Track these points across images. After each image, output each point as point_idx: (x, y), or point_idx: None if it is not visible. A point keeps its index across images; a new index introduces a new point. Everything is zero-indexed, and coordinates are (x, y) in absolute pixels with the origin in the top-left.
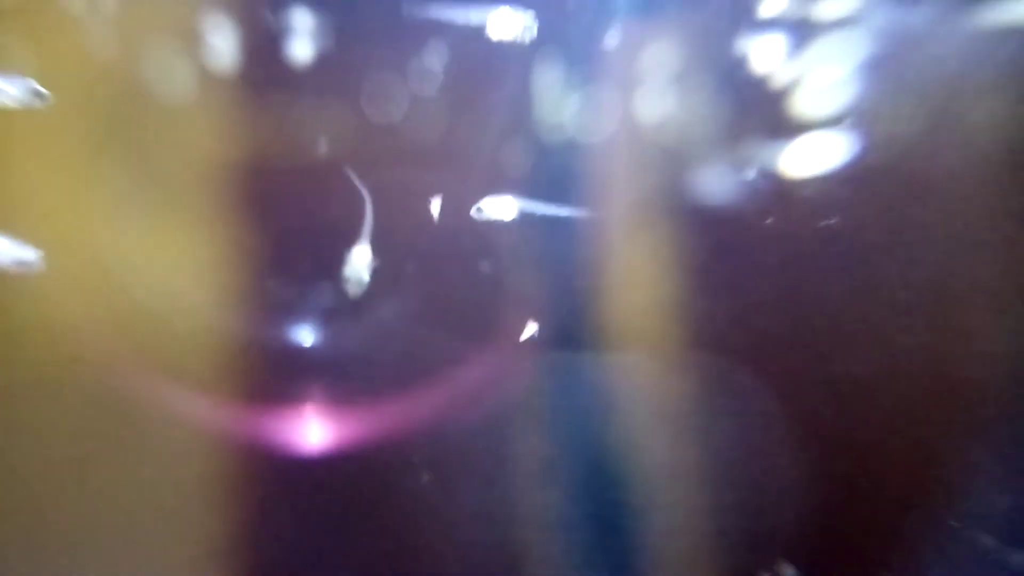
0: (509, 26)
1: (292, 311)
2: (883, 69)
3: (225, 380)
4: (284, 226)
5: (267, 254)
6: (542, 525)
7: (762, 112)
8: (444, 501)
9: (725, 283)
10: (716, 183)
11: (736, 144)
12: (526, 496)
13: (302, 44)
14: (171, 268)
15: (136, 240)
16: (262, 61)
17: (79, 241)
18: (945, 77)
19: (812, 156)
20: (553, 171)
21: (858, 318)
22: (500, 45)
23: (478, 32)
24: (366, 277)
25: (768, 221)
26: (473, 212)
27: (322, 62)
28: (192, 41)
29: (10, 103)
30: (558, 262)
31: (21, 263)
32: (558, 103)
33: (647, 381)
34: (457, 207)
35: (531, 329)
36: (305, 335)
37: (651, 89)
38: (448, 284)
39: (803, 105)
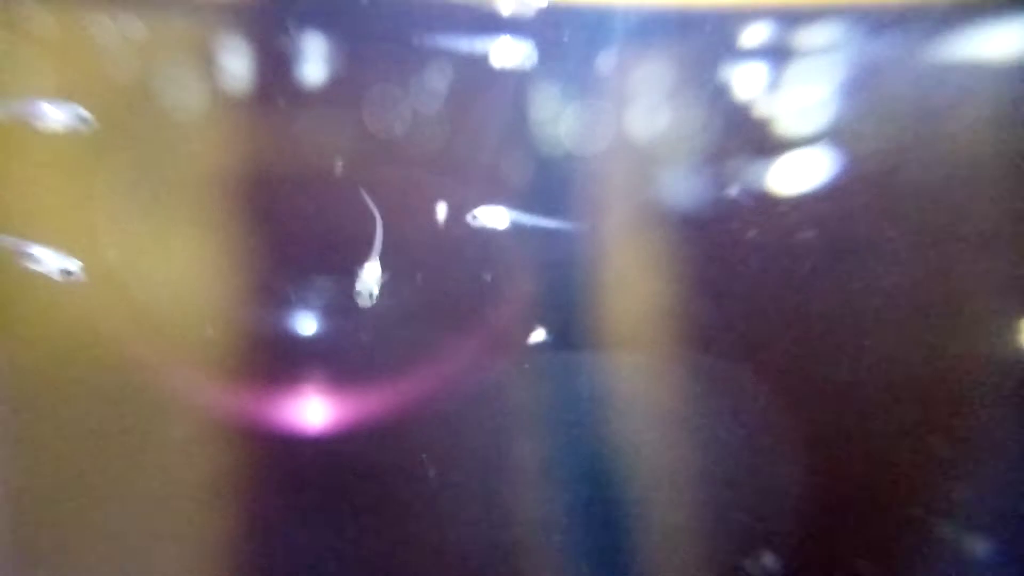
0: (510, 53)
1: (305, 310)
2: (859, 92)
3: (241, 374)
4: (296, 231)
5: (278, 257)
6: (538, 522)
7: (746, 131)
8: (443, 500)
9: (710, 290)
10: (702, 196)
11: (722, 160)
12: (523, 493)
13: (311, 65)
14: (189, 272)
15: (158, 248)
16: (277, 82)
17: (107, 251)
18: (920, 99)
19: (792, 172)
20: (550, 183)
21: (836, 324)
22: (502, 69)
23: (481, 57)
24: (376, 291)
25: (751, 234)
26: (468, 219)
27: (331, 82)
28: (209, 63)
29: (57, 128)
30: (554, 267)
31: (65, 273)
32: (555, 120)
33: (639, 382)
34: (458, 215)
35: (528, 331)
36: (315, 332)
37: (642, 108)
38: (448, 286)
39: (784, 125)
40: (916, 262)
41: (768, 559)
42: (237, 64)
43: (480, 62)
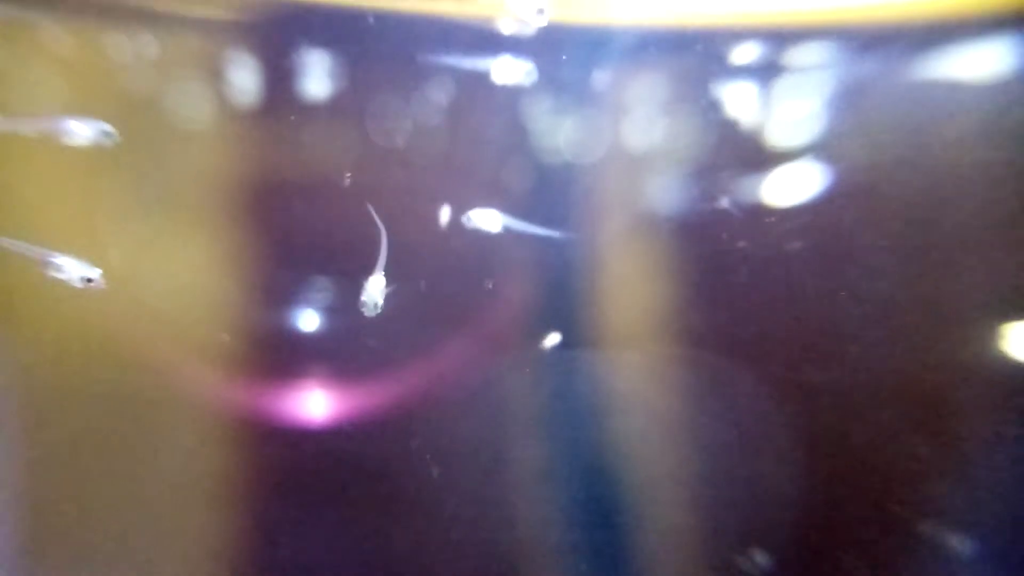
0: (511, 70)
1: (313, 314)
2: (846, 108)
3: (250, 375)
4: (302, 238)
5: (286, 262)
6: (538, 521)
7: (737, 145)
8: (445, 498)
9: (703, 296)
10: (694, 207)
11: (713, 173)
12: (523, 492)
13: (319, 81)
14: (200, 278)
15: (171, 255)
16: (287, 97)
17: (121, 257)
18: (905, 115)
19: (782, 185)
20: (549, 194)
21: (825, 331)
22: (503, 85)
23: (483, 74)
24: (381, 302)
25: (741, 243)
26: (463, 221)
27: (337, 97)
28: (221, 79)
29: (83, 143)
30: (552, 273)
31: (86, 280)
32: (554, 134)
33: (635, 384)
34: (460, 223)
35: (526, 334)
36: (323, 334)
37: (637, 123)
38: (450, 291)
39: (774, 139)
40: (901, 271)
41: (761, 557)
42: (247, 79)
43: (482, 79)
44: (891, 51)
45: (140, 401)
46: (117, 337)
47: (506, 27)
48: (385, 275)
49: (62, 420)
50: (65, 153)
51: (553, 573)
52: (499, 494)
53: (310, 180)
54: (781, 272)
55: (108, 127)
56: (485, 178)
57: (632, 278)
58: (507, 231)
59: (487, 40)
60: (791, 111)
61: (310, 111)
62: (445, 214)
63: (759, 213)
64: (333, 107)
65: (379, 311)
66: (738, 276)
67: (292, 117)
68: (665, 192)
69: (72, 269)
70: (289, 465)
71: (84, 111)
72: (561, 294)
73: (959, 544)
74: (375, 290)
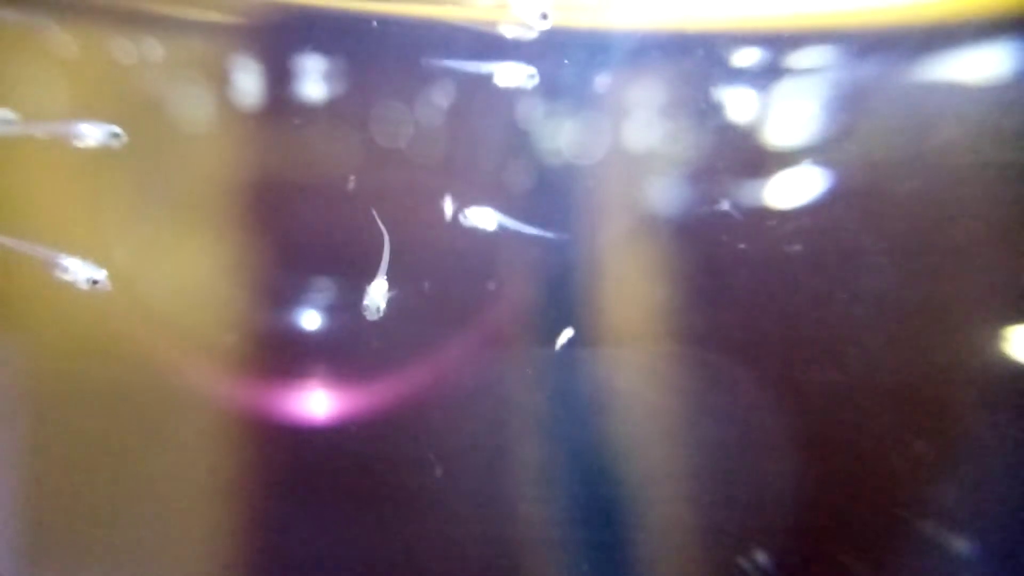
0: (513, 73)
1: (316, 313)
2: (845, 111)
3: (254, 373)
4: (306, 238)
5: (290, 262)
6: (539, 518)
7: (736, 147)
8: (447, 495)
9: (703, 296)
10: (694, 208)
11: (713, 175)
12: (524, 490)
13: (324, 84)
14: (205, 277)
15: (176, 255)
16: (292, 100)
17: (127, 257)
18: (903, 117)
19: (781, 187)
20: (550, 195)
21: (824, 331)
22: (505, 88)
23: (485, 77)
24: (383, 306)
25: (742, 244)
26: (460, 218)
27: (341, 100)
28: (227, 82)
29: (92, 145)
30: (553, 273)
31: (93, 282)
32: (555, 136)
33: (635, 383)
34: (461, 223)
35: (526, 333)
36: (326, 333)
37: (638, 125)
38: (452, 291)
39: (773, 142)
40: (900, 273)
41: (761, 556)
42: (252, 83)
43: (484, 82)
44: (890, 54)
45: (144, 400)
46: (121, 337)
47: (508, 31)
48: (387, 277)
49: (66, 419)
50: (71, 156)
51: (554, 570)
52: (500, 492)
53: (314, 182)
54: (781, 273)
55: (117, 129)
56: (487, 180)
57: (632, 279)
58: (508, 232)
59: (489, 44)
60: (791, 114)
61: (314, 114)
62: (447, 216)
63: (759, 215)
64: (337, 110)
65: (381, 315)
66: (738, 277)
67: (296, 120)
68: (665, 194)
69: (79, 270)
70: (293, 463)
71: (90, 114)
72: (562, 295)
73: (959, 544)
74: (377, 294)
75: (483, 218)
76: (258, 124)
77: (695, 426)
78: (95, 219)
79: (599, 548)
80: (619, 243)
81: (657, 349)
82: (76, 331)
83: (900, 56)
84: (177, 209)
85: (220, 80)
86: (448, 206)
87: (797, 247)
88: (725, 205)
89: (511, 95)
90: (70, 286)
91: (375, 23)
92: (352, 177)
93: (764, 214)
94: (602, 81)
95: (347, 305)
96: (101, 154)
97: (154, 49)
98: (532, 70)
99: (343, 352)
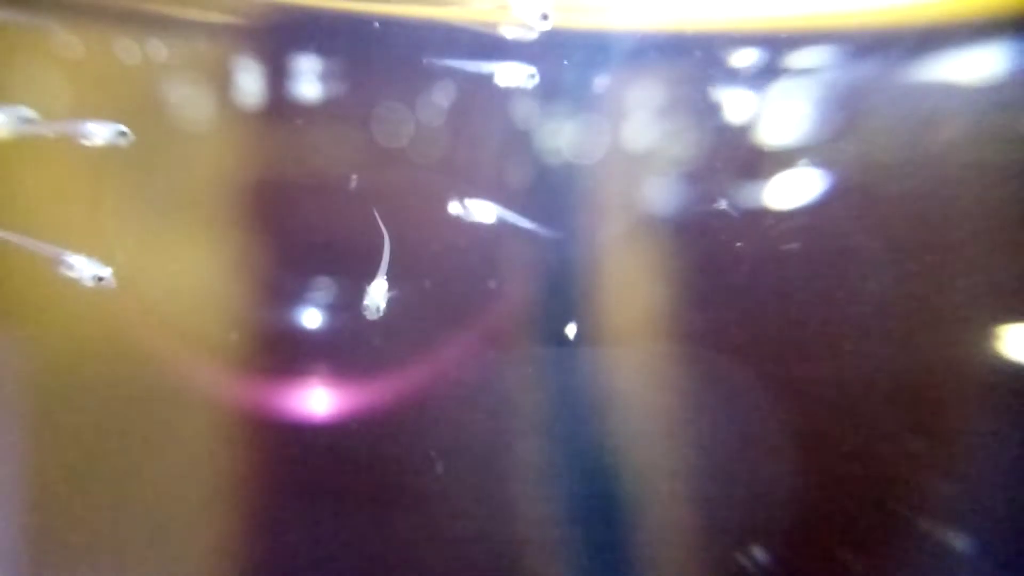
0: (513, 73)
1: (317, 311)
2: (843, 111)
3: (256, 370)
4: (307, 237)
5: (292, 261)
6: (538, 516)
7: (735, 147)
8: (447, 493)
9: (703, 295)
10: (693, 207)
11: (711, 174)
12: (523, 488)
13: (326, 84)
14: (207, 275)
15: (179, 253)
16: (295, 100)
17: (131, 256)
18: (901, 117)
19: (779, 186)
20: (549, 194)
21: (822, 330)
22: (506, 88)
23: (486, 77)
24: (383, 306)
25: (740, 243)
26: (461, 215)
27: (343, 100)
28: (230, 82)
29: (100, 143)
30: (553, 272)
31: (97, 279)
32: (555, 136)
33: (635, 381)
34: (462, 222)
35: (526, 331)
36: (327, 330)
37: (637, 125)
38: (453, 289)
39: (770, 141)
40: (897, 272)
41: (759, 553)
42: (254, 83)
43: (485, 83)
44: (888, 55)
45: (145, 398)
46: (123, 335)
47: (509, 32)
48: (388, 276)
49: (68, 417)
50: (74, 155)
51: (554, 567)
52: (500, 490)
53: (315, 181)
54: (779, 272)
55: (124, 128)
56: (488, 180)
57: (631, 279)
58: (508, 231)
59: (490, 44)
60: (789, 114)
61: (316, 114)
62: (448, 215)
63: (757, 214)
64: (338, 110)
65: (381, 315)
66: (737, 276)
67: (298, 120)
68: (664, 194)
69: (84, 268)
70: (294, 461)
71: (94, 114)
72: (562, 294)
73: (957, 541)
74: (377, 294)
75: (482, 211)
76: (260, 124)
77: (694, 425)
78: (98, 218)
79: (598, 546)
80: (618, 242)
81: (656, 348)
82: (77, 330)
83: (898, 56)
84: (179, 208)
85: (222, 80)
86: (448, 211)
87: (795, 246)
88: (723, 204)
89: (512, 95)
90: (72, 284)
91: (377, 24)
92: (353, 177)
93: (762, 214)
94: (602, 81)
95: (348, 303)
96: (104, 154)
97: (157, 50)
98: (532, 70)
99: (344, 350)
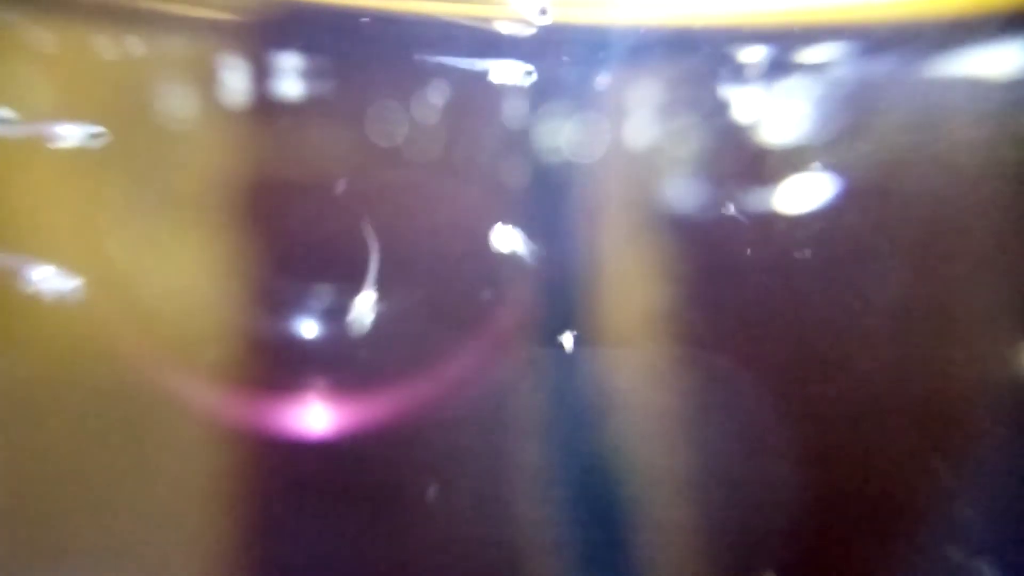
0: (510, 71)
1: (308, 318)
2: (853, 110)
3: (246, 380)
4: (297, 240)
5: (281, 266)
6: (539, 525)
7: (741, 147)
8: (446, 501)
9: (708, 299)
10: (698, 209)
11: (717, 175)
12: (524, 496)
13: (313, 82)
14: (194, 281)
15: (163, 258)
16: (281, 98)
17: (112, 261)
18: (913, 116)
19: (787, 187)
20: (548, 195)
21: (831, 337)
22: (502, 86)
23: (481, 75)
24: (369, 319)
25: (747, 246)
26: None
27: (332, 98)
28: (214, 80)
29: (72, 145)
30: (553, 274)
31: (63, 291)
32: (554, 135)
33: (637, 385)
34: (459, 224)
35: (527, 335)
36: (318, 338)
37: (639, 124)
38: (449, 293)
39: (778, 140)
40: (911, 277)
41: (761, 558)
42: (243, 81)
43: (482, 80)
44: (902, 51)
45: (135, 408)
46: (110, 341)
47: (506, 28)
48: (382, 280)
49: (58, 425)
50: (58, 157)
51: (554, 571)
52: (500, 494)
53: (307, 182)
54: (786, 275)
55: (96, 129)
56: (485, 179)
57: (634, 280)
58: (508, 231)
59: (487, 41)
60: (798, 113)
61: (306, 113)
62: (444, 216)
63: (763, 215)
64: (331, 109)
65: (367, 327)
66: (743, 278)
67: (290, 119)
68: (667, 194)
69: (50, 279)
70: (290, 468)
71: (78, 114)
72: (563, 295)
73: (964, 556)
74: (364, 307)
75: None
76: (250, 123)
77: (698, 430)
78: (83, 222)
79: (599, 549)
80: (619, 244)
81: (659, 352)
82: (65, 338)
83: (913, 53)
84: (168, 210)
85: (210, 78)
86: (444, 212)
87: (805, 250)
88: (730, 207)
89: (508, 93)
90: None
91: (368, 19)
92: (347, 176)
93: (768, 214)
94: (603, 79)
95: (342, 308)
96: (90, 155)
97: (145, 47)
98: (530, 67)
99: (339, 355)
